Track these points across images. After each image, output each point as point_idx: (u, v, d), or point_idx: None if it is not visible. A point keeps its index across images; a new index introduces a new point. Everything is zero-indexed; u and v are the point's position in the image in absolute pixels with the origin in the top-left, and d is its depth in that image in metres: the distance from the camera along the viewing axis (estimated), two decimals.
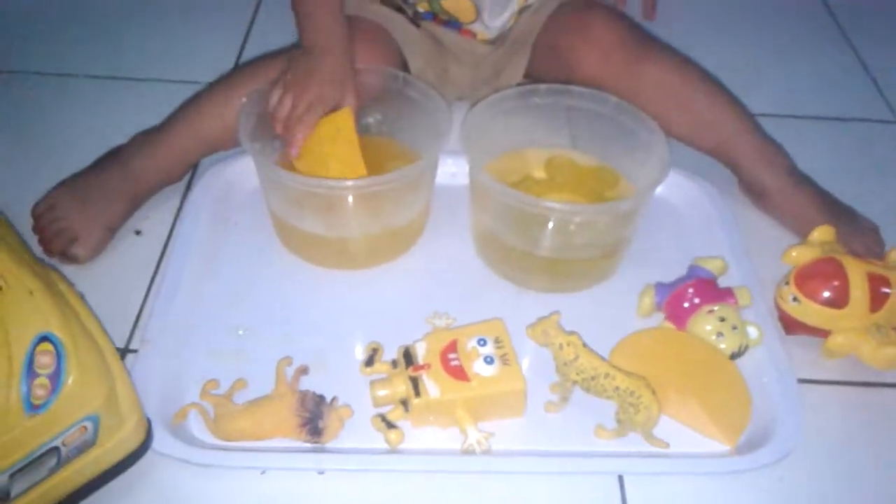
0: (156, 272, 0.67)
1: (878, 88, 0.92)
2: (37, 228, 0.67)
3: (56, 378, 0.46)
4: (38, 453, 0.46)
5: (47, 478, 0.48)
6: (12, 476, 0.46)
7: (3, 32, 0.93)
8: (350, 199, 0.63)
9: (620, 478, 0.55)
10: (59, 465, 0.48)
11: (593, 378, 0.54)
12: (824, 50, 0.99)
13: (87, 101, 0.83)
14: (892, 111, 0.89)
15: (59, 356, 0.46)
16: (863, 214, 0.72)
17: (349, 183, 0.62)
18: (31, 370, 0.45)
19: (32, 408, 0.45)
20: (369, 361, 0.58)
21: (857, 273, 0.61)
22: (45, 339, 0.46)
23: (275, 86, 0.66)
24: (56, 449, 0.47)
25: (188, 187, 0.74)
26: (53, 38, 0.93)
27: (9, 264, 0.48)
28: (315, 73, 0.66)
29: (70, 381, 0.46)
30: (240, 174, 0.73)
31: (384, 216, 0.65)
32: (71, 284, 0.52)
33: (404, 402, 0.55)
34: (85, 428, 0.48)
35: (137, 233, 0.70)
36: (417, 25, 0.79)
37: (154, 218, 0.71)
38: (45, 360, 0.46)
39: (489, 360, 0.56)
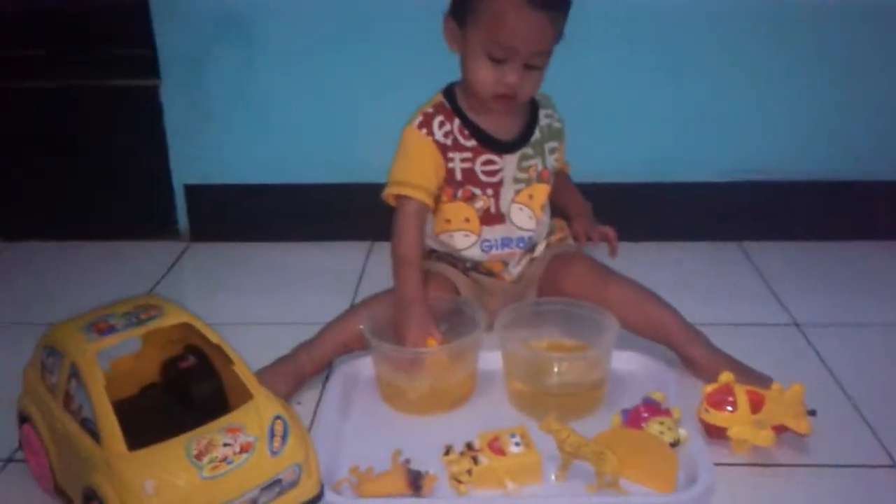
0: (311, 424, 1.07)
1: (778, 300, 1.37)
2: None
3: (284, 437, 0.86)
4: (273, 480, 0.85)
5: (274, 499, 0.85)
6: (261, 491, 0.84)
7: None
8: (423, 362, 1.07)
9: None
10: (281, 492, 0.86)
11: (578, 448, 0.92)
12: (737, 278, 1.46)
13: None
14: (789, 314, 1.33)
15: (285, 427, 0.87)
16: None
17: (426, 350, 1.06)
18: (272, 432, 0.86)
19: (273, 452, 0.85)
20: (446, 452, 0.97)
21: (741, 392, 1.00)
22: (278, 417, 0.87)
23: (396, 330, 1.10)
24: (280, 480, 0.86)
25: (328, 375, 1.16)
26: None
27: (259, 388, 0.91)
28: (410, 321, 1.09)
29: (291, 440, 0.86)
30: (358, 368, 1.15)
31: (450, 374, 1.08)
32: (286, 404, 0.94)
33: (468, 471, 0.93)
34: (294, 471, 0.87)
35: (299, 403, 1.12)
36: (467, 275, 1.26)
37: (309, 393, 1.13)
38: (278, 428, 0.86)
39: (517, 444, 0.95)
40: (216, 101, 1.56)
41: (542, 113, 1.24)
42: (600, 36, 1.48)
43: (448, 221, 1.22)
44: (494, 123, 1.20)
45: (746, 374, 1.09)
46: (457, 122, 1.19)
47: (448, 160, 1.18)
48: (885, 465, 0.98)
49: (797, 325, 1.30)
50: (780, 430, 0.99)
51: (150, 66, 1.57)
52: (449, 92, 1.21)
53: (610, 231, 1.22)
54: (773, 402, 1.00)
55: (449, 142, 1.18)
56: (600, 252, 1.24)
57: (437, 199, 1.21)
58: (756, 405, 1.00)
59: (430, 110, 1.19)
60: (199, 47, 1.54)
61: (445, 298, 1.17)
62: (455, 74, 1.19)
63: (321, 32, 1.51)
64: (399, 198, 1.18)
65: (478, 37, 1.11)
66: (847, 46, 1.50)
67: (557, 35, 1.12)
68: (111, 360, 1.01)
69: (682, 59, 1.51)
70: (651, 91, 1.53)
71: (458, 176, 1.19)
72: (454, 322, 1.15)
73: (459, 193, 1.20)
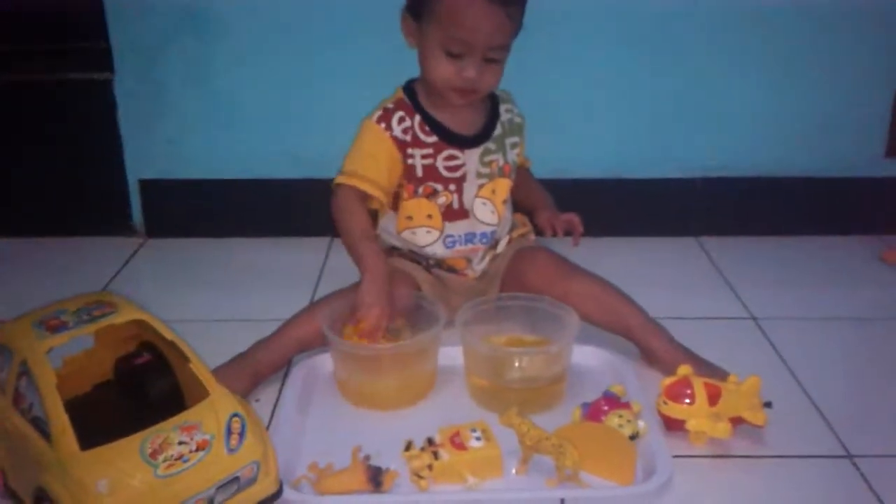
0: (270, 421, 1.06)
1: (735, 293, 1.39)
2: None
3: (241, 435, 0.85)
4: (230, 478, 0.83)
5: (231, 497, 0.84)
6: (217, 489, 0.83)
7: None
8: (382, 359, 1.06)
9: (562, 500, 0.91)
10: (239, 490, 0.85)
11: (539, 441, 0.92)
12: (695, 272, 1.48)
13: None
14: (746, 308, 1.35)
15: (242, 424, 0.86)
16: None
17: (381, 347, 1.05)
18: (229, 430, 0.84)
19: (230, 449, 0.84)
20: (407, 448, 0.96)
21: (699, 384, 1.01)
22: (235, 415, 0.86)
23: (354, 310, 1.08)
24: (237, 478, 0.84)
25: (286, 373, 1.15)
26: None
27: (216, 385, 0.89)
28: (368, 295, 1.06)
29: (248, 437, 0.85)
30: (317, 365, 1.14)
31: (410, 370, 1.07)
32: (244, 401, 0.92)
33: (429, 466, 0.93)
34: (252, 469, 0.85)
35: (257, 400, 1.10)
36: (429, 271, 1.25)
37: (267, 390, 1.12)
38: (236, 426, 0.85)
39: (478, 439, 0.95)
40: (172, 95, 1.54)
41: (502, 108, 1.24)
42: (561, 33, 1.48)
43: (410, 218, 1.22)
44: (456, 119, 1.19)
45: (704, 367, 1.10)
46: (417, 118, 1.18)
47: (407, 157, 1.17)
48: (840, 455, 1.00)
49: (753, 318, 1.32)
50: (736, 421, 1.01)
51: (104, 59, 1.54)
52: (409, 88, 1.20)
53: (574, 218, 1.22)
54: (729, 395, 1.01)
55: (408, 138, 1.17)
56: (562, 244, 1.24)
57: (398, 197, 1.20)
58: (713, 398, 1.00)
59: (390, 105, 1.18)
60: (154, 39, 1.51)
61: (406, 294, 1.16)
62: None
63: (281, 24, 1.49)
64: (341, 185, 1.17)
65: (435, 32, 1.10)
66: (805, 45, 1.52)
67: (516, 28, 1.12)
68: (63, 358, 0.98)
69: (642, 57, 1.52)
70: (611, 88, 1.54)
71: (419, 172, 1.18)
72: (414, 318, 1.14)
73: (420, 190, 1.19)
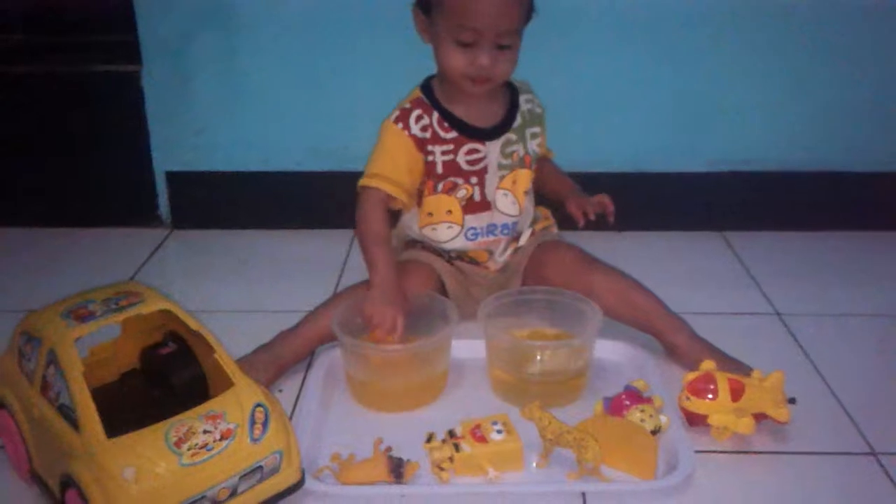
0: (293, 412, 1.07)
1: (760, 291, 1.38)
2: None
3: (265, 425, 0.86)
4: (254, 467, 0.84)
5: (254, 486, 0.85)
6: (241, 478, 0.84)
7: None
8: (394, 359, 1.07)
9: (583, 494, 0.91)
10: (262, 479, 0.86)
11: (560, 435, 0.92)
12: (719, 267, 1.47)
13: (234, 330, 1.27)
14: (770, 304, 1.34)
15: (266, 414, 0.87)
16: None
17: (393, 347, 1.06)
18: (252, 420, 0.85)
19: (253, 439, 0.85)
20: (428, 440, 0.97)
21: (722, 380, 1.01)
22: (259, 405, 0.87)
23: (364, 309, 1.09)
24: (261, 467, 0.85)
25: (309, 364, 1.16)
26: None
27: (240, 375, 0.90)
28: (378, 303, 1.08)
29: (271, 427, 0.86)
30: (340, 357, 1.15)
31: (420, 370, 1.07)
32: (267, 391, 0.93)
33: (450, 458, 0.94)
34: (275, 458, 0.86)
35: (280, 391, 1.11)
36: (451, 263, 1.26)
37: (290, 381, 1.13)
38: (259, 416, 0.86)
39: (499, 431, 0.95)
40: (198, 88, 1.55)
41: (522, 98, 1.24)
42: (586, 25, 1.48)
43: (430, 215, 1.22)
44: (475, 111, 1.19)
45: (727, 362, 1.09)
46: (435, 114, 1.18)
47: (427, 154, 1.18)
48: (864, 452, 0.99)
49: (778, 314, 1.31)
50: (759, 417, 1.00)
51: (132, 52, 1.55)
52: (426, 85, 1.21)
53: (604, 198, 1.21)
54: (753, 390, 1.01)
55: (427, 135, 1.17)
56: (584, 238, 1.24)
57: (420, 195, 1.21)
58: (736, 393, 1.00)
59: (407, 105, 1.18)
60: (181, 33, 1.52)
61: (418, 294, 1.15)
62: None
63: (305, 17, 1.49)
64: (366, 188, 1.17)
65: (444, 24, 1.10)
66: (834, 38, 1.50)
67: (525, 12, 1.12)
68: (90, 347, 1.00)
69: (667, 50, 1.51)
70: (636, 82, 1.53)
71: (440, 169, 1.19)
72: (426, 317, 1.13)
73: (441, 186, 1.20)
